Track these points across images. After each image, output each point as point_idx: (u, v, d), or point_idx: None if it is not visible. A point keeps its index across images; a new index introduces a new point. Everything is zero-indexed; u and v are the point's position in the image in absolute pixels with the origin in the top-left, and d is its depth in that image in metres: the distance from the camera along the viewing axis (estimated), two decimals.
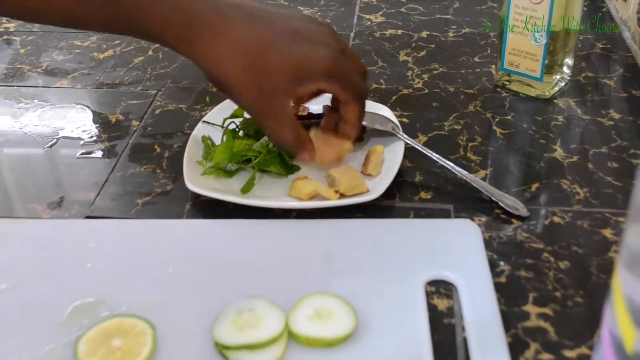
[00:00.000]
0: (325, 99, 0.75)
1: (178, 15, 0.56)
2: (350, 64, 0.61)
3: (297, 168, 0.66)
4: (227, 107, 0.73)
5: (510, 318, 0.51)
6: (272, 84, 0.58)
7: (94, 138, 0.73)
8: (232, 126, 0.68)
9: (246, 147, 0.64)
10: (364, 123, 0.69)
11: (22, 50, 0.91)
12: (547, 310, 0.52)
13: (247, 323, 0.49)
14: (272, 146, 0.64)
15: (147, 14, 0.57)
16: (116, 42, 0.92)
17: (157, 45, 0.91)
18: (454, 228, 0.59)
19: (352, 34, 0.93)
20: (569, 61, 0.78)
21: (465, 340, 0.49)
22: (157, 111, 0.77)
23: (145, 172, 0.68)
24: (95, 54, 0.90)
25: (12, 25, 0.98)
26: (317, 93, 0.63)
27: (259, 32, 0.58)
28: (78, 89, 0.82)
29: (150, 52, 0.90)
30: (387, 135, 0.69)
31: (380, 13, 0.99)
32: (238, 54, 0.57)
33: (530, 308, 0.52)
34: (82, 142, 0.73)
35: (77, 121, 0.76)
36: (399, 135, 0.68)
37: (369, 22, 0.96)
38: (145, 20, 0.57)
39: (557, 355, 0.49)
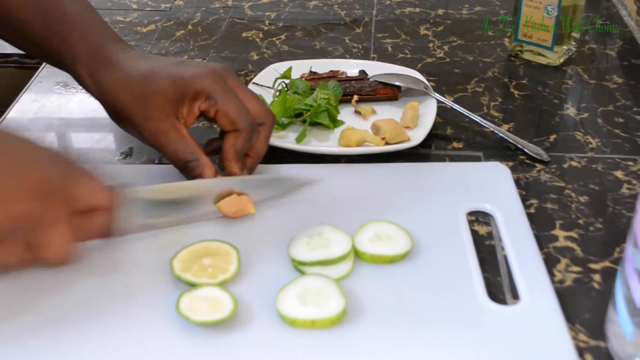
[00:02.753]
0: (361, 64, 0.83)
1: (88, 50, 0.63)
2: (236, 93, 0.62)
3: (342, 122, 0.74)
4: (271, 70, 0.80)
5: (542, 240, 0.60)
6: (156, 106, 0.60)
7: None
8: (282, 86, 0.76)
9: (298, 101, 0.72)
10: (398, 83, 0.77)
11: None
12: (572, 234, 0.60)
13: (319, 244, 0.57)
14: (322, 101, 0.72)
15: (65, 43, 0.64)
16: (156, 19, 1.00)
17: (195, 20, 0.98)
18: (487, 169, 0.67)
19: (374, 11, 1.01)
20: (575, 34, 0.87)
21: (505, 257, 0.57)
22: None
23: (203, 127, 0.75)
24: (138, 28, 0.97)
25: None
26: (203, 114, 0.63)
27: (147, 65, 0.62)
28: None
29: (189, 27, 0.97)
30: (419, 94, 0.77)
31: None
32: (128, 85, 0.61)
33: (558, 232, 0.61)
34: None
35: None
36: (431, 94, 0.76)
37: (388, 2, 1.03)
38: (62, 48, 0.64)
39: (585, 267, 0.57)
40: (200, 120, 0.66)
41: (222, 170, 0.63)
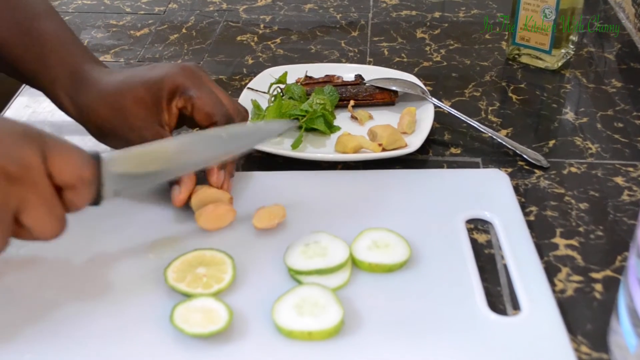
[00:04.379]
0: (357, 69, 0.82)
1: (66, 72, 0.63)
2: (210, 88, 0.61)
3: (338, 128, 0.73)
4: (266, 75, 0.79)
5: (542, 249, 0.59)
6: (136, 116, 0.60)
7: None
8: (278, 91, 0.75)
9: (293, 107, 0.71)
10: (395, 88, 0.76)
11: None
12: (573, 242, 0.60)
13: (315, 252, 0.56)
14: (318, 106, 0.71)
15: (42, 66, 0.63)
16: (150, 22, 0.98)
17: (189, 24, 0.97)
18: (486, 176, 0.66)
19: (370, 15, 1.00)
20: (573, 37, 0.86)
21: (505, 266, 0.56)
22: None
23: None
24: (131, 31, 0.96)
25: None
26: (182, 114, 0.62)
27: (120, 77, 0.62)
28: (121, 63, 0.88)
29: (184, 30, 0.96)
30: (416, 99, 0.76)
31: None
32: (106, 100, 0.61)
33: (558, 240, 0.60)
34: None
35: None
36: (428, 99, 0.75)
37: (384, 4, 1.03)
38: (40, 71, 0.63)
39: (586, 276, 0.56)
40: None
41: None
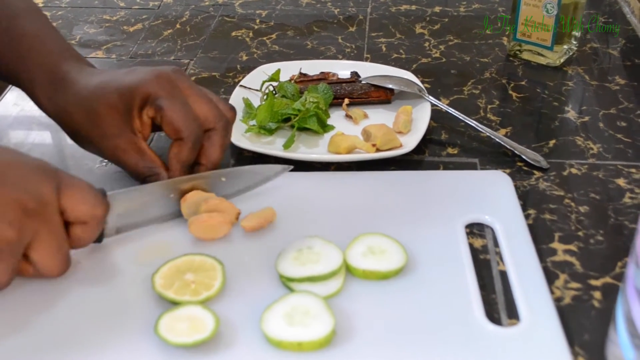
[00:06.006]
0: (353, 65, 0.80)
1: (44, 73, 0.61)
2: (185, 96, 0.59)
3: (332, 127, 0.71)
4: (259, 72, 0.77)
5: (540, 254, 0.57)
6: (109, 123, 0.58)
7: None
8: (270, 89, 0.73)
9: (286, 106, 0.69)
10: (391, 86, 0.74)
11: (54, 24, 0.94)
12: (572, 247, 0.58)
13: (308, 259, 0.54)
14: (311, 105, 0.69)
15: (22, 66, 0.62)
16: (144, 17, 0.97)
17: (184, 19, 0.95)
18: (486, 178, 0.64)
19: (368, 9, 0.98)
20: (576, 33, 0.84)
21: (500, 273, 0.55)
22: (192, 78, 0.81)
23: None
24: (125, 27, 0.94)
25: (40, 0, 1.02)
26: (154, 123, 0.60)
27: (97, 80, 0.60)
28: (113, 59, 0.86)
29: (178, 26, 0.94)
30: (413, 97, 0.74)
31: None
32: (81, 104, 0.59)
33: (556, 245, 0.58)
34: None
35: None
36: (425, 97, 0.73)
37: None
38: (19, 70, 0.62)
39: (584, 284, 0.54)
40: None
41: None
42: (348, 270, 0.54)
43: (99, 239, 0.55)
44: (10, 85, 0.81)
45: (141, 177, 0.60)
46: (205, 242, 0.58)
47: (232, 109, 0.62)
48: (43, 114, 0.76)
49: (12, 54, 0.62)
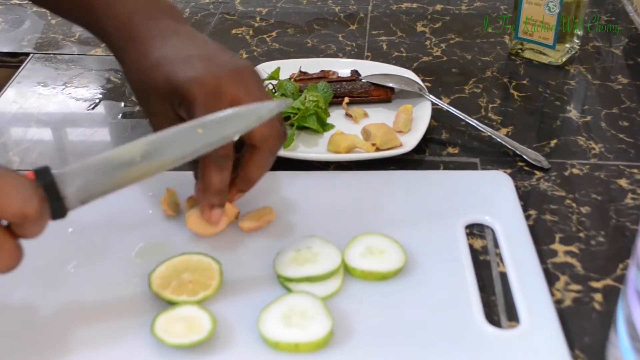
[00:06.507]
0: (353, 64, 0.80)
1: (116, 25, 0.57)
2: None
3: (332, 126, 0.70)
4: (260, 71, 0.77)
5: (540, 255, 0.56)
6: (155, 103, 0.55)
7: (135, 101, 0.77)
8: (270, 87, 0.73)
9: None
10: (391, 84, 0.74)
11: (53, 21, 0.94)
12: (572, 248, 0.57)
13: (306, 259, 0.54)
14: (310, 104, 0.69)
15: (96, 17, 0.58)
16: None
17: (184, 16, 0.95)
18: (487, 178, 0.63)
19: (369, 7, 0.97)
20: (578, 31, 0.83)
21: (500, 274, 0.54)
22: None
23: None
24: None
25: None
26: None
27: (164, 51, 0.55)
28: (112, 57, 0.86)
29: None
30: (413, 96, 0.73)
31: None
32: (140, 72, 0.56)
33: (557, 246, 0.58)
34: (122, 104, 0.77)
35: (116, 86, 0.80)
36: (425, 96, 0.72)
37: None
38: (95, 22, 0.58)
39: (585, 285, 0.54)
40: None
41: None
42: (347, 270, 0.54)
43: (60, 214, 0.49)
44: (9, 83, 0.81)
45: None
46: (203, 240, 0.57)
47: (284, 132, 0.56)
48: (42, 111, 0.76)
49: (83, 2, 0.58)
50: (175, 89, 0.53)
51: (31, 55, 0.86)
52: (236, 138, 0.51)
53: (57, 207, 0.48)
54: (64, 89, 0.80)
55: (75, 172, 0.49)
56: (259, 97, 0.53)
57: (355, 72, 0.76)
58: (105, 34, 0.58)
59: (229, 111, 0.51)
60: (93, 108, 0.77)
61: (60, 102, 0.78)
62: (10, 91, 0.80)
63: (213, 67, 0.54)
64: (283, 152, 0.66)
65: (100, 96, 0.78)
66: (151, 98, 0.55)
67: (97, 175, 0.50)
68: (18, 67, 0.85)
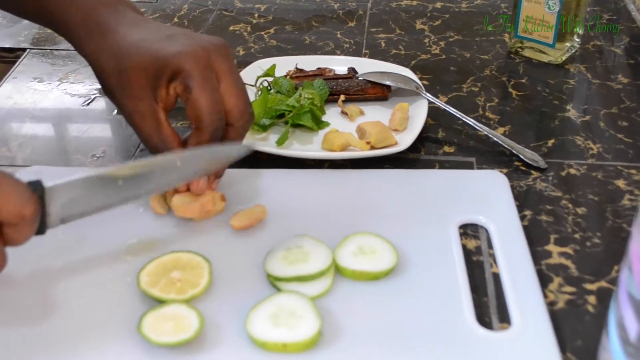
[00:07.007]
0: (350, 61, 0.79)
1: (80, 15, 0.58)
2: (219, 80, 0.55)
3: (327, 124, 0.70)
4: (255, 67, 0.76)
5: (534, 256, 0.55)
6: (135, 83, 0.56)
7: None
8: (265, 84, 0.72)
9: (279, 102, 0.68)
10: (388, 82, 0.73)
11: None
12: (567, 250, 0.57)
13: (297, 258, 0.53)
14: (305, 101, 0.68)
15: (59, 10, 0.59)
16: (142, 10, 0.95)
17: (182, 12, 0.94)
18: (483, 177, 0.62)
19: (369, 4, 0.96)
20: (579, 30, 0.82)
21: (494, 275, 0.54)
22: None
23: (181, 127, 0.72)
24: None
25: None
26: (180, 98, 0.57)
27: (137, 35, 0.57)
28: None
29: (176, 19, 0.93)
30: (410, 94, 0.73)
31: None
32: (114, 56, 0.56)
33: (552, 248, 0.57)
34: None
35: None
36: (422, 94, 0.72)
37: None
38: (53, 11, 0.59)
39: (579, 288, 0.53)
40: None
41: None
42: (338, 270, 0.53)
43: (40, 231, 0.50)
44: (4, 78, 0.80)
45: (152, 150, 0.57)
46: (193, 238, 0.57)
47: (252, 114, 0.59)
48: (37, 107, 0.76)
49: None
50: (166, 64, 0.54)
51: (27, 50, 0.86)
52: (205, 175, 0.57)
53: (41, 222, 0.49)
54: (59, 84, 0.80)
55: (61, 188, 0.50)
56: (236, 77, 0.56)
57: (352, 70, 0.76)
58: (71, 25, 0.59)
59: (205, 149, 0.55)
60: (88, 104, 0.76)
61: (55, 98, 0.77)
62: (5, 87, 0.79)
63: (198, 42, 0.56)
64: (277, 150, 0.65)
65: (96, 92, 0.78)
66: (131, 78, 0.55)
67: (81, 192, 0.51)
68: (14, 62, 0.84)
